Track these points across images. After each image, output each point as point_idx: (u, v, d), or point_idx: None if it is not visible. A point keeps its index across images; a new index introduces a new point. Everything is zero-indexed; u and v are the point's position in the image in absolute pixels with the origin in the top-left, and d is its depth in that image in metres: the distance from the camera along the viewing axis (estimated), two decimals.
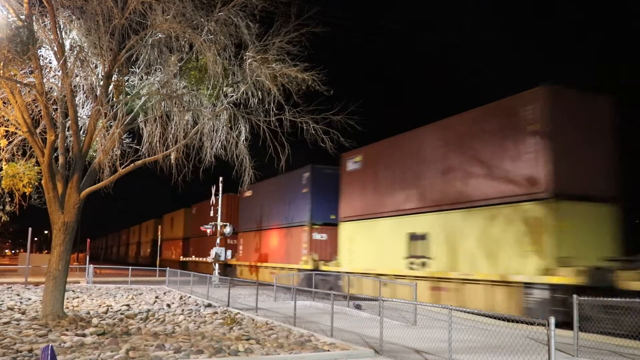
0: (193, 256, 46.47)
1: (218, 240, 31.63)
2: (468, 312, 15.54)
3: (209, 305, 17.05)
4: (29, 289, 22.44)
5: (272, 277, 27.64)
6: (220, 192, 32.46)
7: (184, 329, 11.88)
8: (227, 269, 36.94)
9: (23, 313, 13.77)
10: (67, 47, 12.97)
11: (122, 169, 13.32)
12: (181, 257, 50.35)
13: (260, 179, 14.85)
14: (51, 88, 13.37)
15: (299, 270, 25.81)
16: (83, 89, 13.86)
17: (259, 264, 32.65)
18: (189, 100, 13.80)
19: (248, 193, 35.11)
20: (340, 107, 12.76)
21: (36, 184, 14.04)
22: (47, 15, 12.36)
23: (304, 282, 24.78)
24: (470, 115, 17.45)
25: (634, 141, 14.99)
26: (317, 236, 26.46)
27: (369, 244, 22.02)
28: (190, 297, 20.25)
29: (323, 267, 24.65)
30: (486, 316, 14.43)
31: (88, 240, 44.12)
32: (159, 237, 51.54)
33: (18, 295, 19.08)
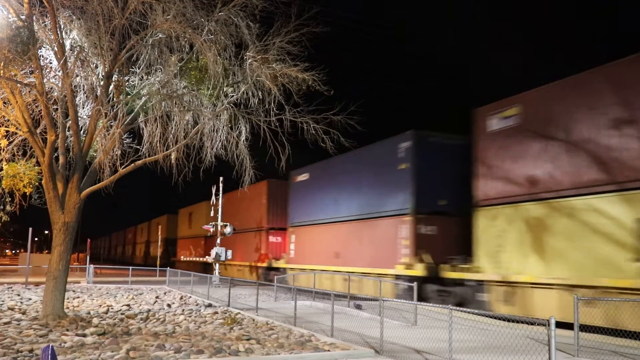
0: None
1: (219, 240, 31.60)
2: (468, 312, 15.52)
3: (210, 305, 17.05)
4: (29, 289, 22.45)
5: (342, 284, 21.26)
6: (221, 192, 32.29)
7: (185, 329, 11.88)
8: (269, 273, 29.21)
9: (23, 313, 13.77)
10: (68, 47, 12.98)
11: (123, 169, 13.33)
12: (203, 257, 42.90)
13: (260, 179, 14.76)
14: (51, 88, 13.38)
15: (397, 277, 19.02)
16: (83, 89, 13.87)
17: (324, 268, 24.42)
18: (190, 100, 13.81)
19: (303, 176, 27.91)
20: (341, 107, 12.79)
21: (36, 184, 14.04)
22: (48, 15, 12.37)
23: (406, 294, 17.92)
24: None
25: None
26: (423, 230, 19.03)
27: (540, 239, 14.33)
28: (190, 297, 20.26)
29: (449, 274, 17.32)
30: (486, 316, 14.40)
31: (88, 240, 44.16)
32: (160, 235, 50.62)
33: (18, 295, 19.08)
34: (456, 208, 18.72)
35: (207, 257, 33.37)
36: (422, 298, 16.81)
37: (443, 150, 19.42)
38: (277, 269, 29.42)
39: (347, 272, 21.86)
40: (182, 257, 49.47)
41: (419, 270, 18.31)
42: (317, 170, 26.86)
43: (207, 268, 39.24)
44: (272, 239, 31.44)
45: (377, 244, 20.96)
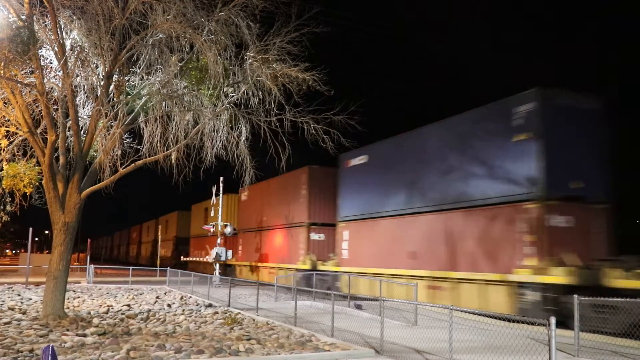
0: (246, 260, 33.71)
1: (219, 240, 31.59)
2: (469, 312, 15.52)
3: (210, 305, 17.05)
4: (29, 289, 22.46)
5: (432, 294, 17.03)
6: (221, 192, 32.23)
7: (185, 329, 11.89)
8: (311, 278, 22.46)
9: (24, 313, 13.78)
10: (68, 47, 12.99)
11: (123, 169, 13.33)
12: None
13: (261, 179, 14.74)
14: (52, 88, 13.39)
15: (521, 285, 14.19)
16: (84, 89, 13.88)
17: (394, 272, 19.20)
18: (190, 100, 13.81)
19: (359, 159, 22.45)
20: (341, 107, 12.80)
21: (37, 184, 14.05)
22: (48, 15, 12.38)
23: (537, 310, 13.64)
24: None
25: None
26: (554, 221, 14.13)
27: None
28: (190, 297, 20.26)
29: (625, 282, 12.15)
30: (487, 316, 14.40)
31: (89, 240, 44.17)
32: (159, 236, 50.03)
33: (19, 295, 19.09)
34: (600, 192, 14.53)
35: (207, 257, 33.22)
36: (563, 316, 12.22)
37: (577, 116, 14.82)
38: (323, 273, 23.34)
39: (433, 277, 17.19)
40: (193, 257, 43.49)
41: (561, 275, 13.25)
42: (380, 151, 21.25)
43: (227, 271, 35.61)
44: (314, 236, 25.98)
45: (482, 241, 15.81)
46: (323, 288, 19.75)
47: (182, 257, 48.20)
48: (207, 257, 33.23)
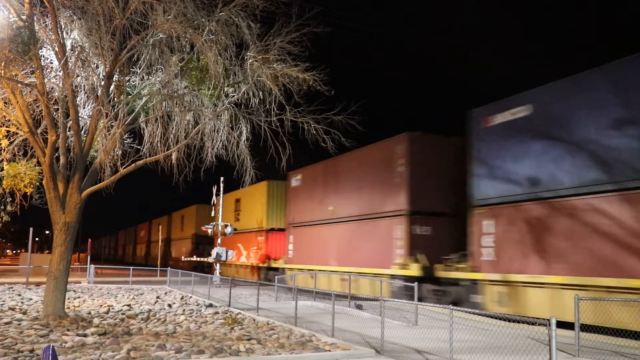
0: (301, 262, 26.31)
1: (219, 240, 31.55)
2: (469, 312, 15.51)
3: (210, 305, 17.06)
4: (30, 289, 22.47)
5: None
6: (222, 192, 32.16)
7: (185, 329, 11.89)
8: (423, 289, 17.37)
9: (24, 313, 13.78)
10: (68, 47, 12.99)
11: (123, 169, 13.35)
12: (258, 260, 31.78)
13: (260, 179, 14.70)
14: (52, 88, 13.39)
15: None
16: (84, 89, 13.89)
17: (611, 284, 12.02)
18: (190, 101, 13.82)
19: (513, 113, 15.09)
20: (341, 107, 12.81)
21: (37, 184, 14.05)
22: (48, 15, 12.38)
23: None
24: None
25: None
26: None
27: None
28: (191, 297, 20.26)
29: None
30: (487, 316, 14.38)
31: (89, 240, 44.16)
32: (159, 235, 49.94)
33: (19, 295, 19.09)
34: None
35: (208, 257, 33.05)
36: None
37: None
38: (451, 283, 16.78)
39: None
40: (265, 261, 32.13)
41: None
42: (559, 94, 14.05)
43: (269, 275, 29.84)
44: (418, 230, 19.27)
45: None
46: (443, 302, 14.83)
47: (183, 257, 44.28)
48: (208, 257, 33.06)
